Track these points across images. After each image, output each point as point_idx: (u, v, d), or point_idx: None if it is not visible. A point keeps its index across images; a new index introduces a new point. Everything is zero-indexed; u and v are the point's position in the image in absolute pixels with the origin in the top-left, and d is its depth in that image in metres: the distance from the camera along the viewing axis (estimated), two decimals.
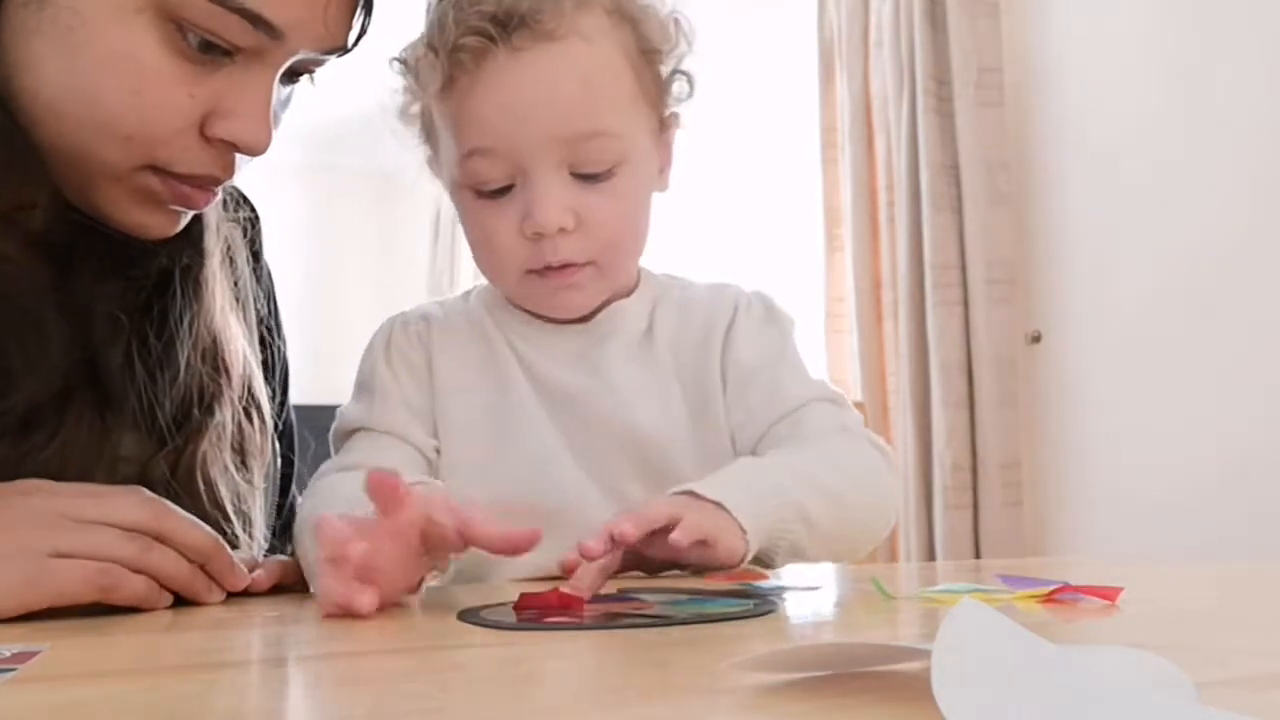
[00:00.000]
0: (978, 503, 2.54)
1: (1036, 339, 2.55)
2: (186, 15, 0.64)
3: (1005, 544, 2.49)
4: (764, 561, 0.73)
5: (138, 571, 0.59)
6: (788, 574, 0.73)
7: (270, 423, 0.85)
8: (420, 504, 0.57)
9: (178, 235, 0.74)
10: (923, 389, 2.63)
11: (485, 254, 0.80)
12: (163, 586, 0.61)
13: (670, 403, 0.82)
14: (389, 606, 0.57)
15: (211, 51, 0.66)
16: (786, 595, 0.60)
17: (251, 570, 0.69)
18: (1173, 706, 0.27)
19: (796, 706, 0.31)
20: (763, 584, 0.64)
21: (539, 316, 0.83)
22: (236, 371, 0.80)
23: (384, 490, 0.55)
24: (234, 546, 0.71)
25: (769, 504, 0.70)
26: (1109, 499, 2.38)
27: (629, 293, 0.85)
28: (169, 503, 0.64)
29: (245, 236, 0.87)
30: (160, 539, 0.61)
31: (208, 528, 0.65)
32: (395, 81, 0.81)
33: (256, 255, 0.91)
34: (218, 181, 0.71)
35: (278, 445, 0.88)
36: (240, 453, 0.80)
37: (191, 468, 0.75)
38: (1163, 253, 2.27)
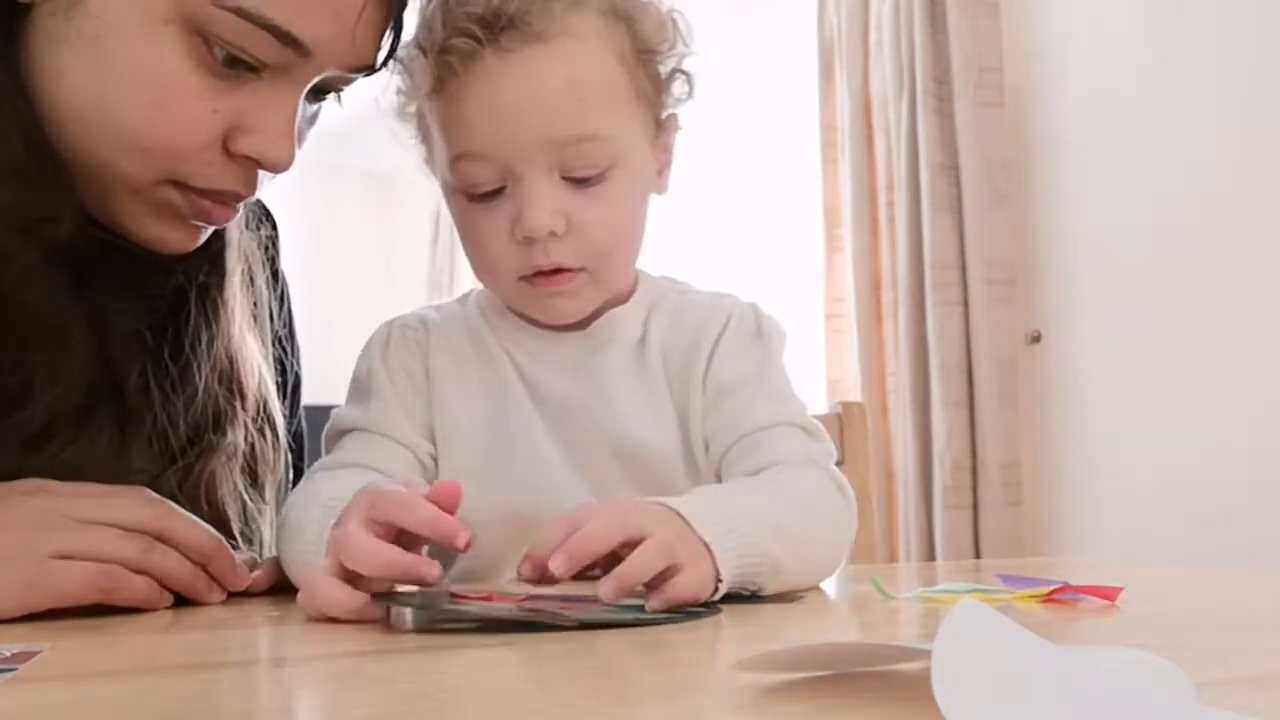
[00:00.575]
0: (977, 503, 2.54)
1: (1036, 339, 2.55)
2: (214, 29, 0.63)
3: (1005, 544, 2.49)
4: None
5: (139, 572, 0.59)
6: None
7: (284, 440, 0.85)
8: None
9: (198, 252, 0.73)
10: (922, 389, 2.63)
11: (478, 257, 0.79)
12: (164, 587, 0.61)
13: (663, 412, 0.81)
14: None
15: (237, 66, 0.64)
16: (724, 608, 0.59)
17: (251, 570, 0.69)
18: (1173, 706, 0.27)
19: (796, 706, 0.31)
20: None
21: (535, 323, 0.82)
22: (252, 392, 0.80)
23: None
24: (235, 548, 0.71)
25: (746, 554, 0.64)
26: (1109, 499, 2.38)
27: (625, 298, 0.84)
28: (171, 503, 0.64)
29: (266, 255, 0.86)
30: (162, 539, 0.61)
31: (209, 528, 0.65)
32: (393, 81, 0.80)
33: (275, 274, 0.90)
34: (239, 197, 0.70)
35: (290, 458, 0.88)
36: (252, 473, 0.80)
37: (198, 485, 0.74)
38: (1163, 253, 2.28)
